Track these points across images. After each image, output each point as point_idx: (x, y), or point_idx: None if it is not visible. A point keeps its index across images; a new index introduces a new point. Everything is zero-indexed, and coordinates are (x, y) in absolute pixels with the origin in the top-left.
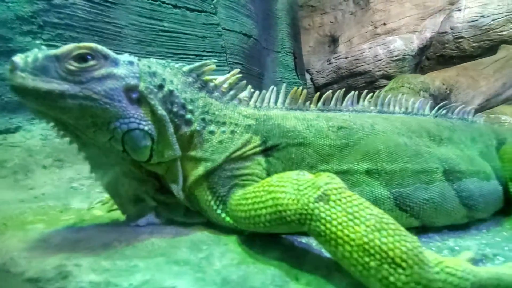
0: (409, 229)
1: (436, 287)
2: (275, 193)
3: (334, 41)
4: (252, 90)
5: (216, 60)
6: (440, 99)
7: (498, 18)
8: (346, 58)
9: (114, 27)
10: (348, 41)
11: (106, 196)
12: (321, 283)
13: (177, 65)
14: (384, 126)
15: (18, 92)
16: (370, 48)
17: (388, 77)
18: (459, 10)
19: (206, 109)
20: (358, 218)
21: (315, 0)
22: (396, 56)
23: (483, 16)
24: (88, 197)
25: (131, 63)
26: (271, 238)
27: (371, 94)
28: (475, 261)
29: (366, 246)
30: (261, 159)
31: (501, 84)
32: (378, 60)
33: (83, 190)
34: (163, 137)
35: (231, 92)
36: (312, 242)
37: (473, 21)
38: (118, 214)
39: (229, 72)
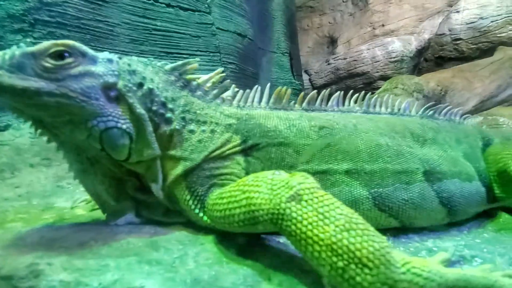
0: (389, 229)
1: (402, 287)
2: (249, 193)
3: (332, 42)
4: (236, 89)
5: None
6: (434, 101)
7: (497, 20)
8: (345, 59)
9: (106, 25)
10: (347, 42)
11: None
12: (293, 283)
13: (159, 63)
14: (367, 127)
15: None
16: (369, 49)
17: (386, 78)
18: (458, 11)
19: (187, 108)
20: (328, 218)
21: (314, 1)
22: (394, 58)
23: (481, 18)
24: (74, 196)
25: (110, 61)
26: (248, 238)
27: (357, 95)
28: (451, 263)
29: (334, 246)
30: (240, 158)
31: (496, 86)
32: (376, 61)
33: (70, 189)
34: (142, 136)
35: (214, 91)
36: (289, 242)
37: (471, 22)
38: (99, 213)
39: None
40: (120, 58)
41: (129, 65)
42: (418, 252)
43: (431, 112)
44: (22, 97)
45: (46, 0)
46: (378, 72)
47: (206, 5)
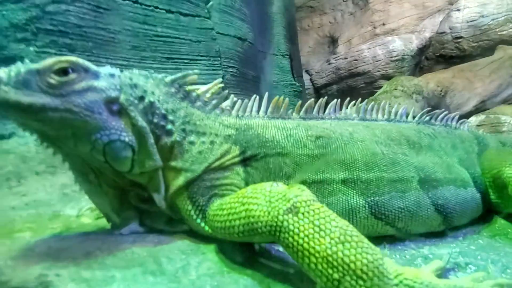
0: (385, 236)
1: None
2: (248, 205)
3: (333, 41)
4: (235, 99)
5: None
6: (434, 102)
7: (498, 18)
8: (345, 58)
9: (107, 33)
10: (348, 41)
11: None
12: None
13: (159, 76)
14: (363, 135)
15: (1, 106)
16: (369, 48)
17: (388, 78)
18: (458, 10)
19: (187, 119)
20: (324, 231)
21: (314, 0)
22: (395, 57)
23: (482, 16)
24: (79, 204)
25: (112, 75)
26: (248, 247)
27: (353, 102)
28: (446, 270)
29: (330, 258)
30: (239, 169)
31: (496, 85)
32: (377, 61)
33: (75, 197)
34: (144, 148)
35: (214, 102)
36: None
37: (472, 21)
38: (104, 222)
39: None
40: (121, 71)
41: (130, 79)
42: (414, 259)
43: (427, 118)
44: (28, 113)
45: (48, 9)
46: (379, 71)
47: (206, 10)
